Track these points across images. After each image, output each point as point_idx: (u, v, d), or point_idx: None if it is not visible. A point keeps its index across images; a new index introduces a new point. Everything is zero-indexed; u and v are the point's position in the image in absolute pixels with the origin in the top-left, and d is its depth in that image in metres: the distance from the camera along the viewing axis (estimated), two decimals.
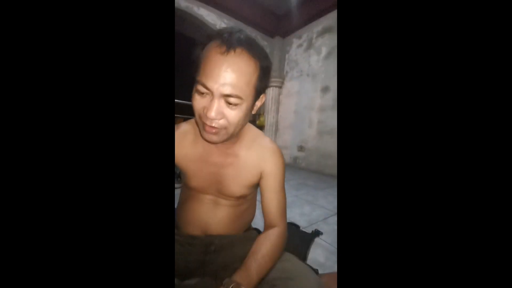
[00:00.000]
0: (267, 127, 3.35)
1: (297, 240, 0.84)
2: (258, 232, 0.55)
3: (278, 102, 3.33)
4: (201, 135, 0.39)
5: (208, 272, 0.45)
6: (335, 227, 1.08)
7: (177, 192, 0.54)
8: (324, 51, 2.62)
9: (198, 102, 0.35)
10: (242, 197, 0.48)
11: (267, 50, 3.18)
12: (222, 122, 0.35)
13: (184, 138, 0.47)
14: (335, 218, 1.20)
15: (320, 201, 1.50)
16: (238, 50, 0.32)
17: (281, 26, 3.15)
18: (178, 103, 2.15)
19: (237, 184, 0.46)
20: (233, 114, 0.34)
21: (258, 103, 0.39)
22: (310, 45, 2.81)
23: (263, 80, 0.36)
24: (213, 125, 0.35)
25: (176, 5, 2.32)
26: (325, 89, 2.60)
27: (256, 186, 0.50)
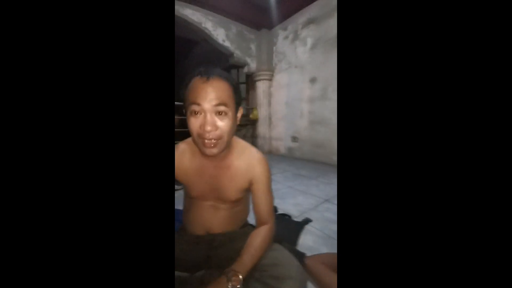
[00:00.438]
0: (261, 120, 3.42)
1: (289, 229, 0.98)
2: (252, 227, 0.65)
3: (269, 95, 3.38)
4: (202, 152, 0.47)
5: (213, 265, 0.55)
6: (324, 213, 1.21)
7: (177, 194, 0.64)
8: (309, 42, 2.64)
9: (194, 122, 0.44)
10: (236, 200, 0.58)
11: (255, 43, 3.20)
12: (218, 133, 0.44)
13: (183, 156, 0.56)
14: (324, 205, 1.34)
15: (312, 190, 1.63)
16: (214, 77, 0.43)
17: (266, 18, 3.11)
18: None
19: (231, 190, 0.55)
20: (224, 123, 0.44)
21: (239, 115, 0.50)
22: (295, 37, 2.82)
23: (237, 95, 0.48)
24: (211, 137, 0.43)
25: None
26: (313, 80, 2.66)
27: (248, 190, 0.59)
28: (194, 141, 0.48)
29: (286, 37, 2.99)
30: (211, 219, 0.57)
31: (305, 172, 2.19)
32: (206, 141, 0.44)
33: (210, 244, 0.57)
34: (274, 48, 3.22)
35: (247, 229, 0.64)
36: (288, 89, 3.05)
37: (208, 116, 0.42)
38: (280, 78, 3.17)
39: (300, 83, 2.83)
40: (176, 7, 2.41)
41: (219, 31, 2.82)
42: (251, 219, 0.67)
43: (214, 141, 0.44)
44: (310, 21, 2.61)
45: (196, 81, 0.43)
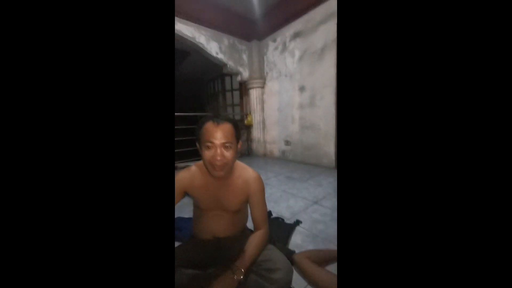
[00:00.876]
0: (255, 125, 3.58)
1: (282, 231, 1.17)
2: (250, 231, 0.83)
3: (262, 102, 3.55)
4: (211, 173, 0.65)
5: (219, 263, 0.70)
6: (312, 215, 1.40)
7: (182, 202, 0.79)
8: (297, 54, 2.83)
9: (207, 154, 0.61)
10: (237, 210, 0.74)
11: (246, 53, 3.35)
12: (224, 161, 0.61)
13: (195, 176, 0.72)
14: (313, 207, 1.53)
15: (303, 193, 1.81)
16: (222, 122, 0.62)
17: (256, 31, 3.28)
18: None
19: (233, 202, 0.71)
20: (229, 153, 0.62)
21: (239, 145, 0.69)
22: (284, 48, 3.00)
23: (237, 132, 0.66)
24: (219, 164, 0.61)
25: None
26: (301, 88, 2.85)
27: (246, 201, 0.75)
28: (205, 165, 0.65)
29: (276, 48, 3.16)
30: (217, 225, 0.73)
31: (297, 175, 2.37)
32: (216, 166, 0.61)
33: (216, 246, 0.73)
34: (265, 57, 3.38)
35: (246, 233, 0.82)
36: (280, 96, 3.23)
37: (218, 150, 0.60)
38: (272, 85, 3.34)
39: (291, 91, 3.02)
40: None
41: (212, 44, 2.97)
42: (249, 225, 0.86)
43: (221, 167, 0.62)
44: (297, 35, 2.79)
45: (209, 125, 0.61)
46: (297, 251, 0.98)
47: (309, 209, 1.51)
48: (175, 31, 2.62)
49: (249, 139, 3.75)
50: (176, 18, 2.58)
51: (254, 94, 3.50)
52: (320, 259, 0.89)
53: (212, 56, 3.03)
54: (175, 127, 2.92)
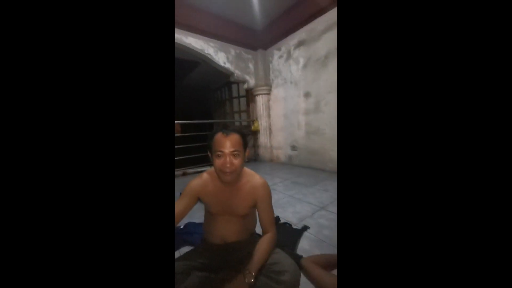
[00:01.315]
0: (261, 131, 3.65)
1: (289, 236, 1.21)
2: (259, 235, 0.88)
3: (268, 108, 3.62)
4: (221, 179, 0.71)
5: (230, 266, 0.73)
6: (318, 220, 1.42)
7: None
8: (301, 61, 2.90)
9: (218, 161, 0.67)
10: (245, 215, 0.78)
11: (252, 62, 3.46)
12: (233, 168, 0.67)
13: (207, 183, 0.77)
14: (320, 212, 1.55)
15: (309, 198, 1.83)
16: (230, 133, 0.68)
17: (261, 40, 3.39)
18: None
19: (241, 207, 0.76)
20: (237, 161, 0.68)
21: (247, 154, 0.75)
22: (289, 56, 3.09)
23: (245, 142, 0.72)
24: (228, 171, 0.67)
25: None
26: (306, 95, 2.91)
27: (254, 206, 0.79)
28: (216, 172, 0.72)
29: (280, 56, 3.25)
30: (226, 230, 0.77)
31: (303, 180, 2.39)
32: (226, 173, 0.68)
33: (227, 250, 0.77)
34: (270, 65, 3.48)
35: (254, 237, 0.87)
36: (285, 103, 3.29)
37: (227, 158, 0.67)
38: (278, 92, 3.42)
39: (296, 97, 3.08)
40: (179, 36, 2.69)
41: (220, 55, 3.10)
42: (258, 230, 0.90)
43: (230, 173, 0.68)
44: (301, 43, 2.87)
45: (219, 136, 0.68)
46: (304, 256, 1.01)
47: (316, 214, 1.53)
48: (186, 44, 2.76)
49: (256, 145, 3.82)
50: (186, 32, 2.73)
51: (260, 100, 3.58)
52: (326, 263, 0.92)
53: (220, 66, 3.16)
54: (185, 134, 3.04)
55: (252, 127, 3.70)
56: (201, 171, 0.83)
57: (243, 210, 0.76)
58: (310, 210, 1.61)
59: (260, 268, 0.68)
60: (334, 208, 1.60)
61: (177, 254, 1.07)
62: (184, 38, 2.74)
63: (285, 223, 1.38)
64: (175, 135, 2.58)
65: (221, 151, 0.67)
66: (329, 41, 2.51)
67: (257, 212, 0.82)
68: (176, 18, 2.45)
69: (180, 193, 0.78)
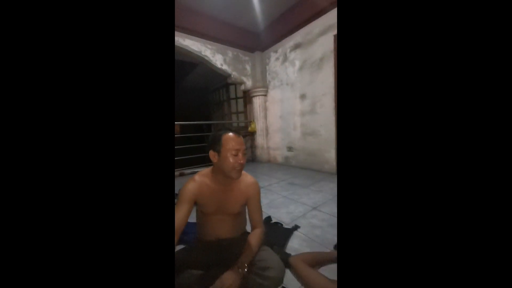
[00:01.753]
0: (258, 132, 3.68)
1: (280, 235, 1.24)
2: (248, 233, 0.90)
3: (265, 109, 3.66)
4: (232, 176, 0.74)
5: (222, 263, 0.75)
6: (310, 220, 1.45)
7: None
8: (297, 64, 2.94)
9: (233, 159, 0.72)
10: (237, 213, 0.83)
11: (249, 64, 3.50)
12: (243, 164, 0.74)
13: (202, 185, 0.79)
14: (312, 212, 1.57)
15: (303, 199, 1.85)
16: (239, 135, 0.76)
17: (258, 43, 3.44)
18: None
19: (234, 206, 0.81)
20: (244, 159, 0.75)
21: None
22: (285, 59, 3.13)
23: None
24: (240, 168, 0.73)
25: None
26: (302, 97, 2.95)
27: (245, 204, 0.85)
28: (225, 170, 0.74)
29: (277, 59, 3.29)
30: (220, 228, 0.82)
31: (299, 181, 2.42)
32: (237, 169, 0.73)
33: (219, 247, 0.81)
34: (267, 67, 3.52)
35: (245, 236, 0.89)
36: (282, 104, 3.33)
37: (240, 155, 0.73)
38: (274, 94, 3.46)
39: (292, 99, 3.12)
40: (178, 38, 2.73)
41: (217, 57, 3.14)
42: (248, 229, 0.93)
43: (241, 170, 0.75)
44: (297, 46, 2.91)
45: (231, 136, 0.73)
46: (292, 254, 1.04)
47: (308, 214, 1.55)
48: (183, 47, 2.80)
49: (253, 146, 3.85)
50: (183, 35, 2.77)
51: (257, 102, 3.62)
52: (314, 261, 0.96)
53: (217, 68, 3.20)
54: (183, 135, 3.07)
55: (249, 128, 3.74)
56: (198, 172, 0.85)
57: (236, 208, 0.82)
58: (303, 210, 1.63)
59: (252, 259, 0.74)
60: (326, 209, 1.63)
61: None
62: (181, 40, 2.78)
63: (276, 223, 1.41)
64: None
65: (236, 150, 0.72)
66: (324, 44, 2.55)
67: (246, 209, 0.87)
68: None
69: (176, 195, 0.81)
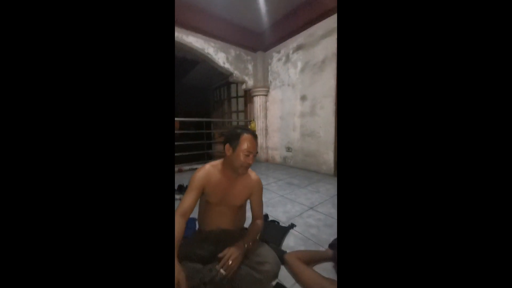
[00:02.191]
0: (258, 132, 3.70)
1: (276, 232, 1.26)
2: (247, 230, 0.95)
3: (265, 109, 3.68)
4: (239, 172, 0.82)
5: (218, 258, 0.74)
6: (307, 220, 1.47)
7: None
8: (299, 65, 2.96)
9: (245, 158, 0.78)
10: (239, 206, 0.91)
11: (251, 63, 3.51)
12: (252, 164, 0.81)
13: (210, 175, 0.84)
14: (308, 212, 1.60)
15: (300, 199, 1.87)
16: (255, 136, 0.82)
17: (261, 43, 3.46)
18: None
19: (238, 198, 0.88)
20: (253, 160, 0.81)
21: None
22: (287, 59, 3.15)
23: None
24: (248, 167, 0.81)
25: None
26: (303, 98, 2.97)
27: (247, 199, 0.94)
28: (234, 165, 0.80)
29: (279, 59, 3.31)
30: (222, 219, 0.89)
31: (296, 181, 2.44)
32: (245, 167, 0.80)
33: (218, 240, 0.84)
34: (269, 67, 3.54)
35: (243, 231, 0.95)
36: (282, 105, 3.35)
37: (252, 156, 0.80)
38: (275, 94, 3.48)
39: (293, 99, 3.14)
40: (180, 35, 2.74)
41: (219, 55, 3.15)
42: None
43: (248, 168, 0.83)
44: (299, 48, 2.94)
45: (249, 138, 0.79)
46: (288, 251, 1.06)
47: (304, 214, 1.58)
48: (186, 43, 2.81)
49: None
50: (187, 31, 2.78)
51: (258, 101, 3.63)
52: (308, 259, 0.97)
53: (220, 66, 3.21)
54: (182, 131, 3.08)
55: (249, 127, 3.75)
56: (196, 169, 0.86)
57: (239, 201, 0.89)
58: (300, 209, 1.65)
59: (253, 241, 0.82)
60: (322, 209, 1.65)
61: None
62: (184, 37, 2.79)
63: (273, 221, 1.43)
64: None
65: (250, 152, 0.78)
66: (326, 47, 2.57)
67: (249, 203, 0.97)
68: (177, 17, 2.49)
69: (179, 186, 0.84)
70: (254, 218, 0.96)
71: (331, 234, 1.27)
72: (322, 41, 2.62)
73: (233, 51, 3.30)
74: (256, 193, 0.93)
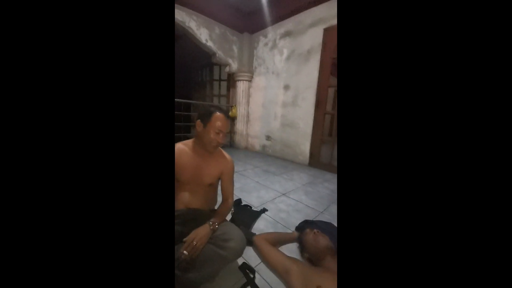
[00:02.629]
0: (239, 118, 3.64)
1: (248, 216, 1.28)
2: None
3: (248, 95, 3.60)
4: (209, 149, 0.83)
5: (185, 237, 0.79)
6: (278, 205, 1.53)
7: None
8: (285, 52, 2.91)
9: (215, 136, 0.80)
10: (209, 185, 0.90)
11: (237, 45, 3.34)
12: (222, 142, 0.82)
13: (182, 153, 0.86)
14: (281, 198, 1.65)
15: (274, 186, 1.92)
16: (227, 116, 0.83)
17: (248, 24, 3.29)
18: None
19: (209, 176, 0.88)
20: (223, 139, 0.82)
21: None
22: (274, 45, 3.06)
23: None
24: (218, 145, 0.82)
25: None
26: (286, 87, 2.96)
27: (218, 178, 0.93)
28: (205, 142, 0.82)
29: (266, 44, 3.20)
30: (191, 197, 0.88)
31: (273, 169, 2.50)
32: (214, 145, 0.82)
33: (185, 218, 0.84)
34: (255, 51, 3.41)
35: (213, 213, 0.93)
36: (265, 92, 3.31)
37: (222, 135, 0.81)
38: (259, 80, 3.40)
39: (276, 88, 3.11)
40: None
41: (202, 30, 2.92)
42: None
43: (218, 146, 0.84)
44: (287, 34, 2.86)
45: (221, 117, 0.80)
46: (257, 233, 1.09)
47: (277, 199, 1.63)
48: None
49: (232, 131, 3.80)
50: None
51: (241, 87, 3.53)
52: (275, 240, 1.01)
53: (202, 43, 2.99)
54: None
55: (230, 113, 3.66)
56: None
57: (209, 179, 0.89)
58: (273, 195, 1.71)
59: (221, 221, 0.84)
60: (294, 196, 1.72)
61: None
62: None
63: (246, 205, 1.44)
64: None
65: (221, 130, 0.80)
66: (313, 37, 2.55)
67: (220, 184, 0.97)
68: None
69: None
70: (224, 198, 0.96)
71: (299, 218, 1.33)
72: (310, 30, 2.59)
73: (217, 28, 3.09)
74: (226, 172, 0.93)
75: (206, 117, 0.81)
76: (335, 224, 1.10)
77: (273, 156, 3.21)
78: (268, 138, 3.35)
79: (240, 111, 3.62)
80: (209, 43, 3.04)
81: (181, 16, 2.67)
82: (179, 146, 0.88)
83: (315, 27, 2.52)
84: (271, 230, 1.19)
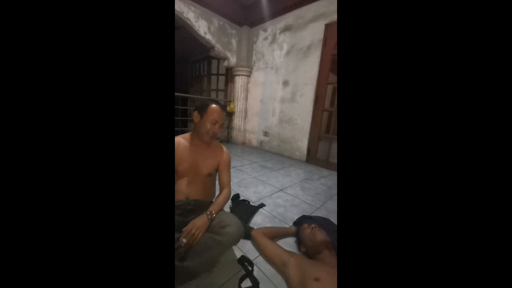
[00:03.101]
0: (237, 113, 3.62)
1: (245, 210, 1.29)
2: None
3: (246, 90, 3.57)
4: (204, 140, 0.87)
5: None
6: (276, 200, 1.54)
7: None
8: (285, 47, 2.88)
9: (211, 127, 0.85)
10: (208, 175, 0.93)
11: (236, 39, 3.29)
12: (218, 133, 0.87)
13: (179, 145, 0.90)
14: (278, 193, 1.67)
15: (272, 181, 1.94)
16: (223, 109, 0.88)
17: (248, 17, 3.23)
18: None
19: (206, 167, 0.92)
20: (218, 130, 0.88)
21: None
22: (274, 40, 3.02)
23: None
24: (214, 136, 0.87)
25: None
26: (285, 83, 2.95)
27: (216, 169, 0.97)
28: (201, 133, 0.86)
29: (265, 38, 3.16)
30: (190, 188, 0.90)
31: (270, 165, 2.51)
32: (210, 135, 0.86)
33: (185, 209, 0.87)
34: (254, 46, 3.37)
35: (211, 204, 0.94)
36: (264, 88, 3.29)
37: (217, 126, 0.87)
38: (258, 76, 3.37)
39: (274, 84, 3.09)
40: None
41: (201, 22, 2.86)
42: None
43: (214, 137, 0.89)
44: (287, 28, 2.82)
45: (217, 109, 0.86)
46: (254, 227, 1.10)
47: (274, 195, 1.65)
48: None
49: (229, 126, 3.78)
50: None
51: (239, 82, 3.49)
52: (273, 234, 1.03)
53: (200, 36, 2.93)
54: None
55: (228, 108, 3.63)
56: None
57: (207, 169, 0.92)
58: (270, 191, 1.72)
59: (218, 211, 0.86)
60: (291, 191, 1.74)
61: None
62: None
63: (244, 200, 1.45)
64: None
65: (217, 121, 0.85)
66: (313, 32, 2.52)
67: (217, 174, 1.01)
68: None
69: None
70: (221, 187, 0.98)
71: (296, 213, 1.35)
72: (310, 25, 2.56)
73: (216, 20, 3.02)
74: (223, 163, 0.98)
75: (203, 108, 0.86)
76: (332, 220, 1.12)
77: (271, 152, 3.22)
78: (265, 133, 3.34)
79: (238, 106, 3.59)
80: (208, 36, 2.98)
81: (179, 6, 2.60)
82: (178, 139, 0.91)
83: (316, 22, 2.49)
84: (268, 225, 1.20)
